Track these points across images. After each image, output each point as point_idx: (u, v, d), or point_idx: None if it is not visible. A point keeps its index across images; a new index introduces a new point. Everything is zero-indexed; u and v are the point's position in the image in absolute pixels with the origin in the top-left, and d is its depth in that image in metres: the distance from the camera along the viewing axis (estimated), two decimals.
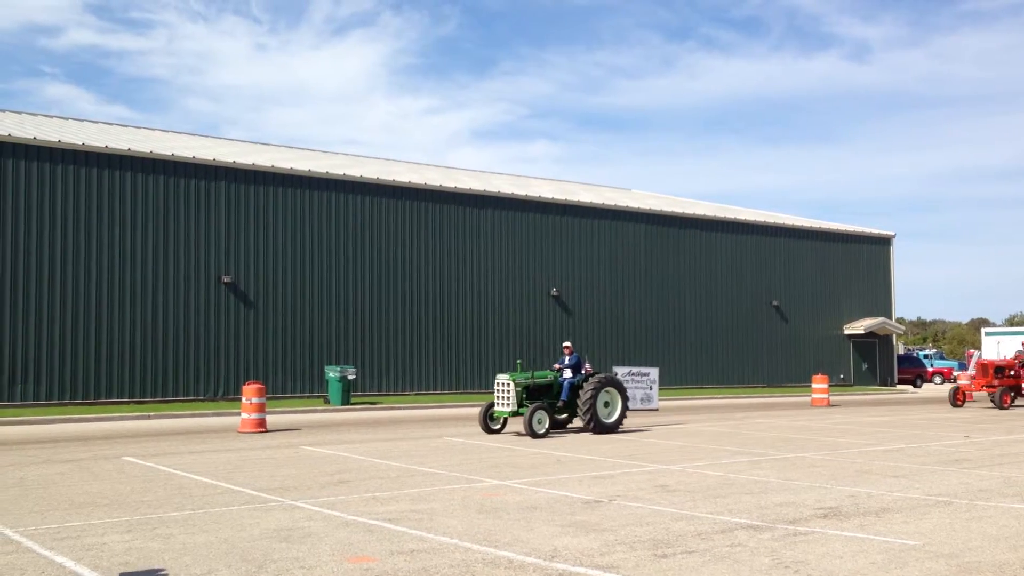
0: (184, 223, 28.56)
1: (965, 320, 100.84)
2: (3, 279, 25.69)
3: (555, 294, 35.94)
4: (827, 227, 46.05)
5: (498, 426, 19.36)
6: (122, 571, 7.22)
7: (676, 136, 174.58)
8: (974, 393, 31.57)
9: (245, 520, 9.33)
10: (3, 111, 34.45)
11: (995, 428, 21.51)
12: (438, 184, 33.94)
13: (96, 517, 9.50)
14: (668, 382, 38.58)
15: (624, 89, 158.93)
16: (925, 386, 48.40)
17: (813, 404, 31.14)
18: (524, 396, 19.26)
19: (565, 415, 20.10)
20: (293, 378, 30.13)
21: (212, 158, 29.56)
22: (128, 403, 26.89)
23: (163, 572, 7.19)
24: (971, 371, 31.71)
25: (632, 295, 38.21)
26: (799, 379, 41.82)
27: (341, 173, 31.93)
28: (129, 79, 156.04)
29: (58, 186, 26.67)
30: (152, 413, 24.55)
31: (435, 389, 32.63)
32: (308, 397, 29.97)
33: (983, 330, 49.52)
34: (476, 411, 21.67)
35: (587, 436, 18.84)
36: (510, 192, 35.81)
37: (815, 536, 8.61)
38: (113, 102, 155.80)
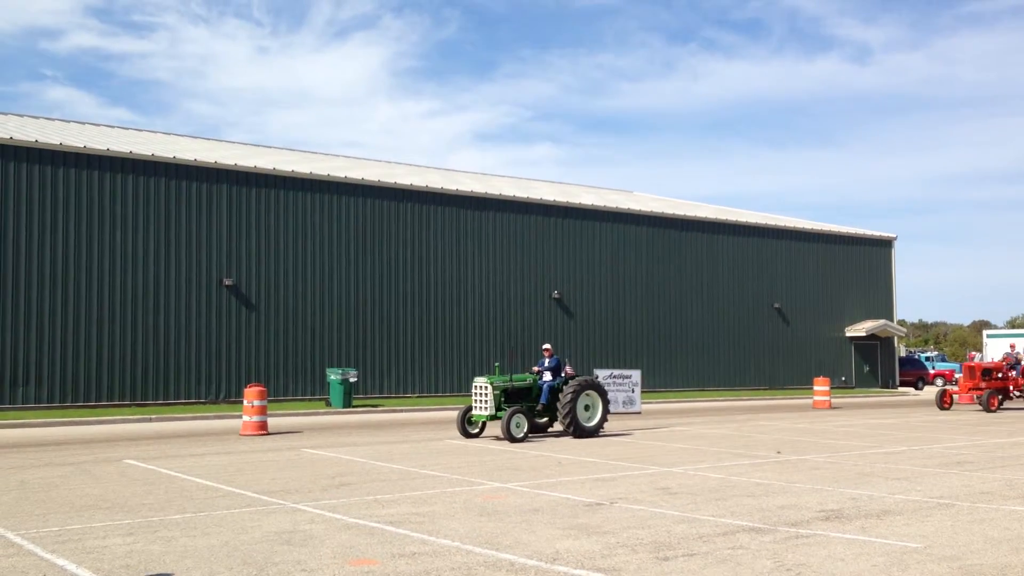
0: (186, 226, 28.58)
1: (966, 322, 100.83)
2: (5, 282, 25.71)
3: (557, 296, 35.94)
4: (829, 229, 46.04)
5: (476, 430, 18.90)
6: (123, 574, 7.22)
7: (678, 139, 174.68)
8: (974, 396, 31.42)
9: (247, 523, 9.33)
10: (5, 114, 34.48)
11: (973, 432, 21.49)
12: (440, 186, 33.95)
13: (97, 520, 9.50)
14: (669, 384, 38.62)
15: (626, 92, 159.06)
16: (927, 388, 48.35)
17: (815, 406, 31.13)
18: (502, 399, 18.83)
19: (545, 419, 19.75)
20: (294, 381, 30.14)
21: (214, 161, 29.59)
22: (130, 406, 26.90)
23: (165, 575, 7.19)
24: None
25: (634, 297, 38.20)
26: (801, 381, 41.80)
27: (343, 176, 31.95)
28: (131, 82, 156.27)
29: (60, 189, 26.69)
30: (154, 416, 24.56)
31: (437, 392, 32.62)
32: (309, 400, 29.97)
33: (984, 332, 49.53)
34: None
35: (590, 440, 18.81)
36: (512, 194, 35.82)
37: (817, 539, 8.60)
38: (115, 105, 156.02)
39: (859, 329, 44.88)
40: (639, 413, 25.48)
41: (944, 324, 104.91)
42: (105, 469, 13.75)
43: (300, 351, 30.30)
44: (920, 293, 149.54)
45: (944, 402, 29.35)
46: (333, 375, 28.19)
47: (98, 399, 26.77)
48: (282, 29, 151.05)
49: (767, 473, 13.35)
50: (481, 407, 18.70)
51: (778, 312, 42.65)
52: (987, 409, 28.16)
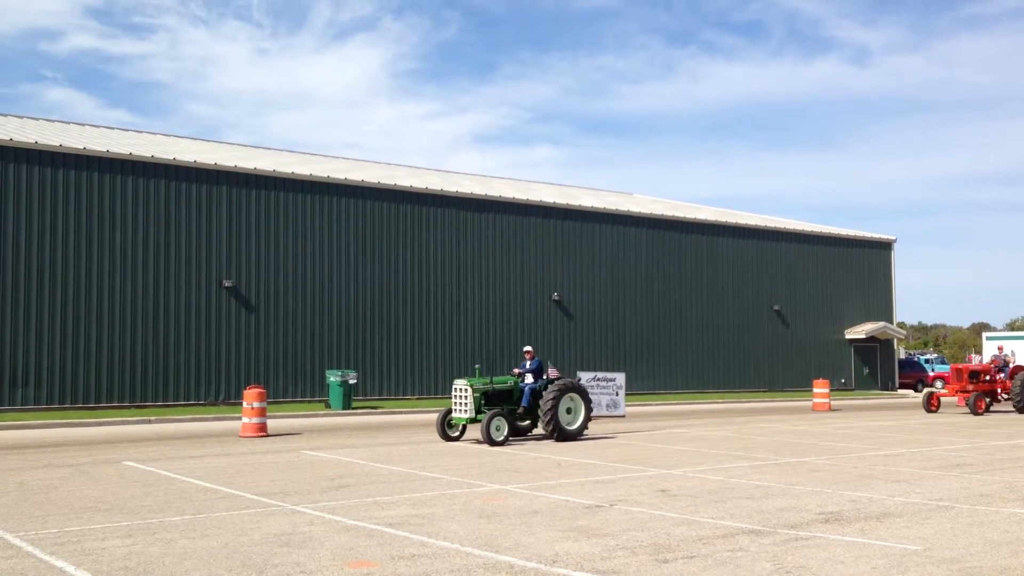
0: (186, 227, 28.58)
1: (966, 325, 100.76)
2: (4, 283, 25.71)
3: (557, 298, 35.95)
4: (828, 231, 46.06)
5: (456, 433, 18.62)
6: None
7: (678, 141, 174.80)
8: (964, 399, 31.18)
9: (246, 525, 9.32)
10: (5, 115, 34.48)
11: (972, 434, 21.48)
12: (439, 188, 33.96)
13: (96, 522, 9.49)
14: (669, 386, 38.62)
15: (626, 94, 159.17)
16: (926, 390, 48.23)
17: (814, 408, 31.13)
18: (483, 402, 18.52)
19: (527, 422, 19.47)
20: (294, 382, 30.13)
21: (213, 162, 29.59)
22: (129, 407, 26.89)
23: None
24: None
25: (634, 299, 38.21)
26: (800, 383, 41.80)
27: (342, 178, 31.95)
28: (131, 83, 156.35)
29: (59, 190, 26.70)
30: (153, 417, 24.55)
31: (436, 394, 32.60)
32: (309, 401, 29.96)
33: (984, 335, 49.47)
34: None
35: (589, 442, 18.81)
36: (511, 196, 35.84)
37: (816, 541, 8.60)
38: (115, 106, 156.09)
39: (858, 331, 44.89)
40: (623, 416, 24.99)
41: (944, 326, 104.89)
42: (104, 471, 13.74)
43: (300, 353, 30.30)
44: (920, 295, 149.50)
45: (931, 405, 29.14)
46: (332, 377, 28.18)
47: (97, 401, 26.77)
48: (282, 31, 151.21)
49: (766, 475, 13.35)
50: (461, 410, 18.40)
51: (778, 314, 42.65)
52: (974, 412, 27.77)
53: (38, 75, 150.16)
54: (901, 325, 51.73)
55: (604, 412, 24.19)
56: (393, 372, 32.08)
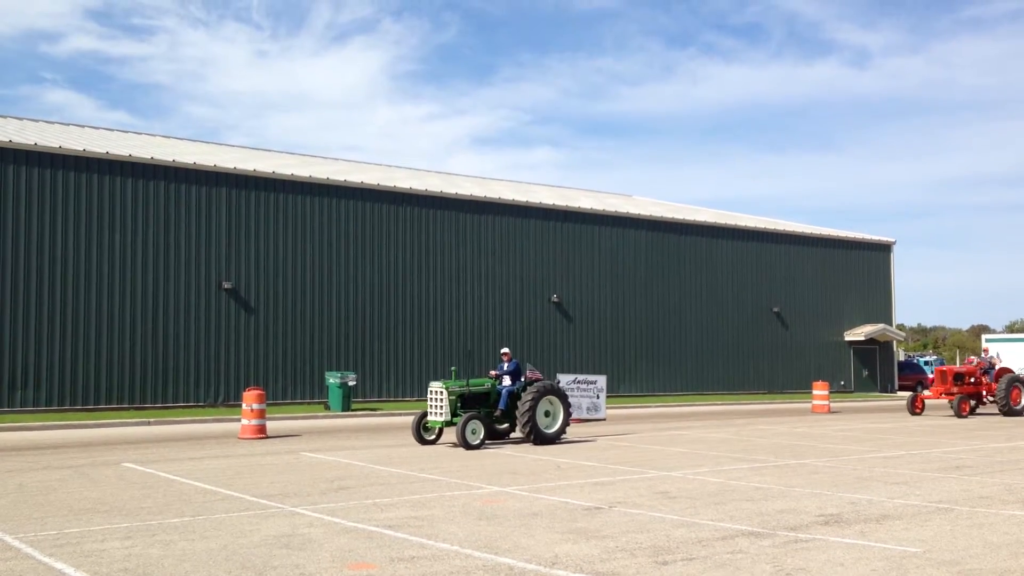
0: (185, 229, 28.58)
1: (965, 327, 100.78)
2: (4, 285, 25.70)
3: (556, 300, 35.94)
4: (828, 234, 46.06)
5: (432, 436, 18.25)
6: None
7: (677, 143, 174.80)
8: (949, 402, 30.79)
9: (245, 527, 9.31)
10: (4, 117, 34.48)
11: (972, 436, 21.47)
12: (439, 190, 33.96)
13: (95, 523, 9.49)
14: (668, 388, 38.62)
15: (625, 96, 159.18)
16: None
17: (814, 410, 31.12)
18: (459, 405, 18.21)
19: (505, 425, 19.16)
20: (293, 384, 30.12)
21: (213, 164, 29.59)
22: (128, 409, 26.87)
23: None
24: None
25: (633, 302, 38.21)
26: (800, 385, 41.80)
27: (342, 179, 31.95)
28: (130, 85, 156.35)
29: (59, 192, 26.69)
30: (152, 419, 24.53)
31: None
32: (308, 403, 29.95)
33: (983, 337, 49.50)
34: None
35: (589, 443, 18.80)
36: (511, 198, 35.85)
37: (816, 543, 8.59)
38: (114, 108, 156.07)
39: (858, 333, 44.89)
40: (604, 420, 24.50)
41: (943, 328, 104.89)
42: (103, 472, 13.73)
43: (299, 354, 30.29)
44: (919, 297, 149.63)
45: (916, 407, 28.92)
46: (332, 378, 28.17)
47: (96, 402, 26.75)
48: (281, 33, 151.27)
49: (766, 477, 13.34)
50: (436, 412, 18.11)
51: (777, 316, 42.66)
52: (958, 414, 27.46)
53: (38, 77, 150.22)
54: (900, 327, 51.74)
55: (584, 415, 23.72)
56: (392, 374, 32.07)
